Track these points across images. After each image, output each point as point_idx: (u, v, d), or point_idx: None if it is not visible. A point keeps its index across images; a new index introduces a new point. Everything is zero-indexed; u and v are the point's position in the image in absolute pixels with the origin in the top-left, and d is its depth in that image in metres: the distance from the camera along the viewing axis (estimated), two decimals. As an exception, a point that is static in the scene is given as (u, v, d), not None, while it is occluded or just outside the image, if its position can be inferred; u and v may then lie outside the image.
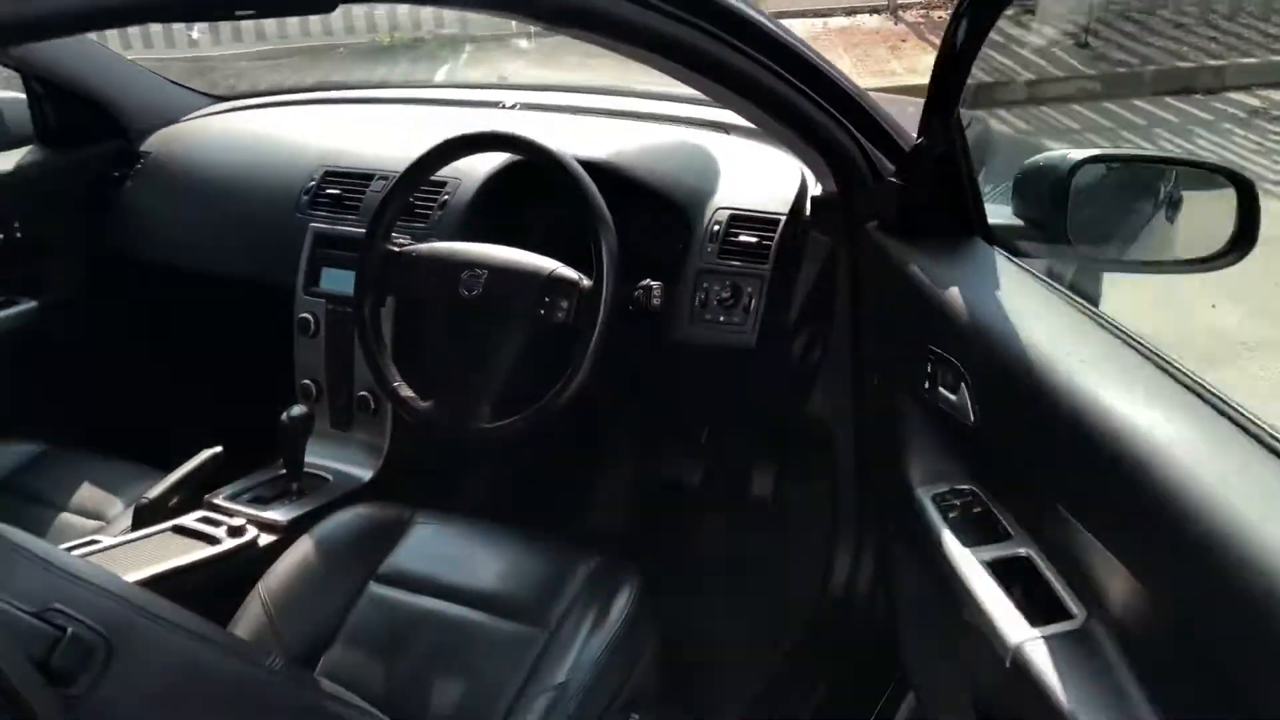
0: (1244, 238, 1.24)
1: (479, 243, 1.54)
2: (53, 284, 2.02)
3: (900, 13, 7.59)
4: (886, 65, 6.51)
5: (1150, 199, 1.32)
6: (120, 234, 2.04)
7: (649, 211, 1.61)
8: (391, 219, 1.57)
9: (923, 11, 7.58)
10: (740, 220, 1.56)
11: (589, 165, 1.50)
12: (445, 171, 1.66)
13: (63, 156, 2.04)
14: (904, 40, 6.98)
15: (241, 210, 1.94)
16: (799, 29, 7.23)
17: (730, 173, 1.62)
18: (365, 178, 1.81)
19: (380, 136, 1.93)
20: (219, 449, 1.62)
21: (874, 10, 7.69)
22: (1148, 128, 5.60)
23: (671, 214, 1.60)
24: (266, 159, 1.99)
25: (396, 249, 1.56)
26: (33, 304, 1.99)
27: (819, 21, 7.63)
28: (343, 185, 1.82)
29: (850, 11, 7.70)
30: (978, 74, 7.02)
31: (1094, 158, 1.28)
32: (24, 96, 2.02)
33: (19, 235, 1.96)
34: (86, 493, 1.72)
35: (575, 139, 1.63)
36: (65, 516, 1.68)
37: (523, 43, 7.78)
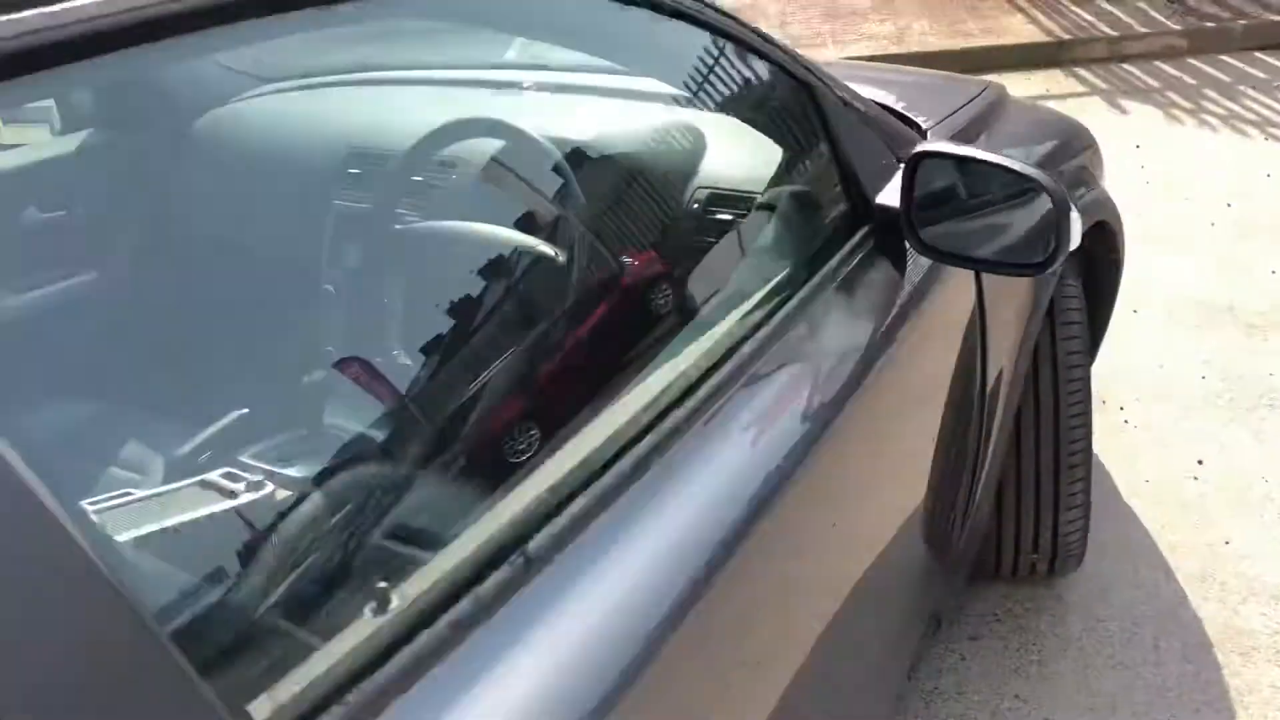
0: (1057, 248, 1.29)
1: (479, 223, 1.65)
2: (111, 258, 2.18)
3: (984, -31, 7.43)
4: (963, 25, 6.41)
5: (988, 197, 1.37)
6: (172, 212, 2.19)
7: (634, 190, 1.69)
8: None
9: (1007, -32, 7.41)
10: (718, 199, 1.63)
11: (574, 146, 1.60)
12: (455, 153, 1.77)
13: (120, 137, 2.20)
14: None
15: (283, 189, 2.08)
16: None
17: (713, 150, 1.70)
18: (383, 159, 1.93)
19: (403, 117, 2.04)
20: (246, 409, 1.76)
21: (958, -33, 7.55)
22: (1232, 85, 5.44)
23: (654, 193, 1.68)
24: (305, 139, 2.12)
25: None
26: (93, 275, 2.16)
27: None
28: (364, 167, 1.94)
29: (933, -31, 7.56)
30: (1056, 32, 6.83)
31: (927, 152, 1.35)
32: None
33: (80, 212, 2.13)
34: (133, 448, 1.89)
35: (568, 121, 1.73)
36: (113, 470, 1.85)
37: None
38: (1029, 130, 2.16)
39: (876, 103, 1.78)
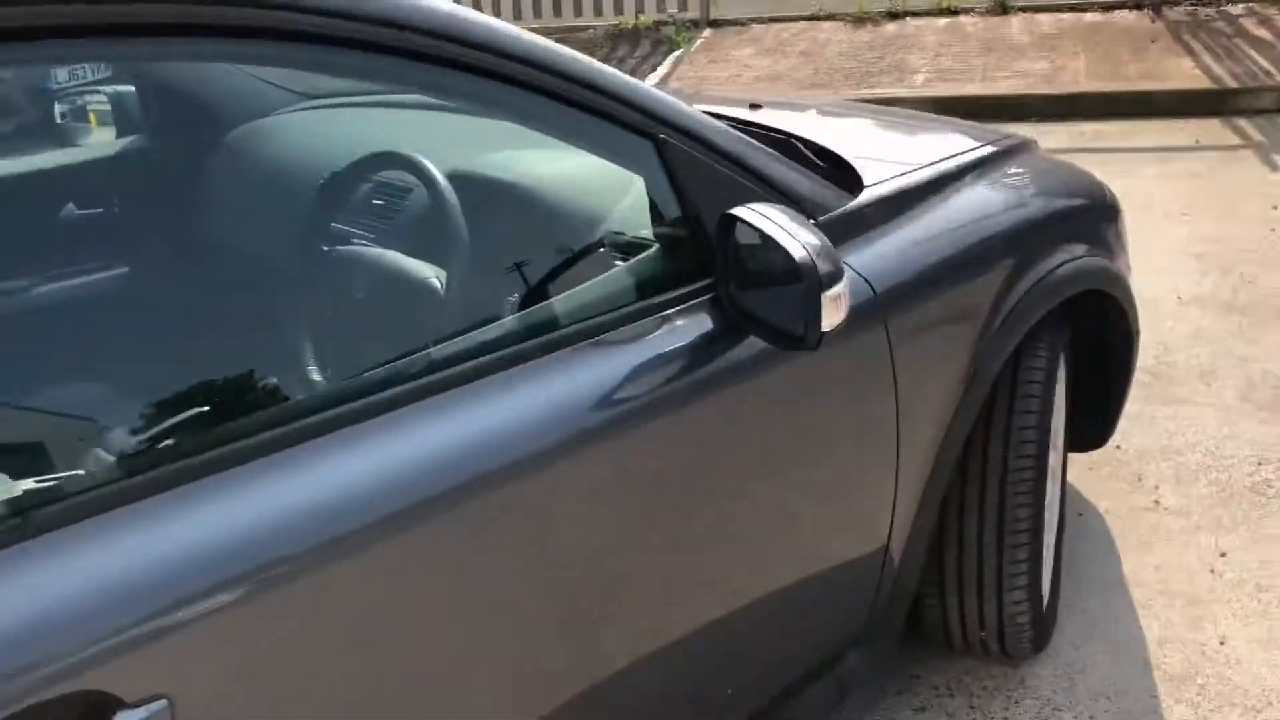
0: (808, 325, 1.27)
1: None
2: (139, 257, 2.36)
3: (1164, 9, 7.06)
4: (1123, 67, 6.11)
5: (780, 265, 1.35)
6: (200, 218, 2.36)
7: (547, 233, 1.73)
8: None
9: (1189, 8, 7.02)
10: (620, 246, 1.65)
11: (497, 185, 1.67)
12: (407, 178, 1.86)
13: (161, 144, 2.38)
14: (1154, 40, 6.50)
15: (303, 207, 2.20)
16: (1046, 22, 6.95)
17: (625, 197, 1.71)
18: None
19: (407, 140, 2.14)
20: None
21: (1136, 6, 7.21)
22: None
23: (565, 236, 1.71)
24: (329, 156, 2.24)
25: None
26: (124, 270, 2.35)
27: (1070, 15, 7.23)
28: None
29: (1107, 7, 7.24)
30: (1223, 78, 6.46)
31: (732, 215, 1.34)
32: (134, 89, 2.38)
33: (117, 211, 2.31)
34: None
35: (500, 160, 1.78)
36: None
37: (756, 28, 7.84)
38: (1026, 190, 2.07)
39: (809, 149, 1.77)
